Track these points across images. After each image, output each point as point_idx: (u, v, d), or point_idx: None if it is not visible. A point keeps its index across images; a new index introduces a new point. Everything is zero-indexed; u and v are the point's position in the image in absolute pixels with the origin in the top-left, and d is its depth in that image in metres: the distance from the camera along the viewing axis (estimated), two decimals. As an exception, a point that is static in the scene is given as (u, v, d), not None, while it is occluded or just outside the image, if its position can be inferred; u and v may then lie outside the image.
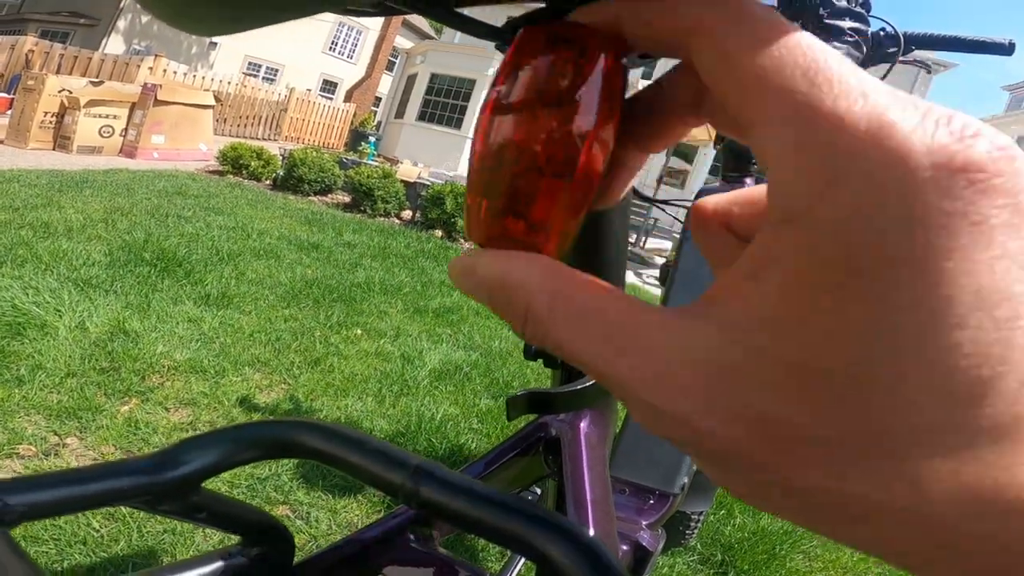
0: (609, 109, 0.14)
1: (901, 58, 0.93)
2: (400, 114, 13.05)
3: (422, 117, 12.41)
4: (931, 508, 0.09)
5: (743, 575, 1.37)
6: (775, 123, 0.10)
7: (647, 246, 7.78)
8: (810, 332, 0.09)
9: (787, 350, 0.10)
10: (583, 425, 0.53)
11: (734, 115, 0.12)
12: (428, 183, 5.90)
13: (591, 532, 0.41)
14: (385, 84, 16.42)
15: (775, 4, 0.94)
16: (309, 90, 13.30)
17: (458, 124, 11.94)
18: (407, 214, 5.70)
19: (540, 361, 0.53)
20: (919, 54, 0.96)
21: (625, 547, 0.69)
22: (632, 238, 7.29)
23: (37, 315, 1.75)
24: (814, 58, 0.11)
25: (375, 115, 15.41)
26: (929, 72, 1.45)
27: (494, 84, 0.15)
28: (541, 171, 0.14)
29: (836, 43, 0.82)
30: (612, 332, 0.12)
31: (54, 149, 5.63)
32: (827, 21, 0.82)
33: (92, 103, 5.59)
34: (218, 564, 0.31)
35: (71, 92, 5.55)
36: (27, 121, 5.48)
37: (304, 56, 17.15)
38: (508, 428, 1.75)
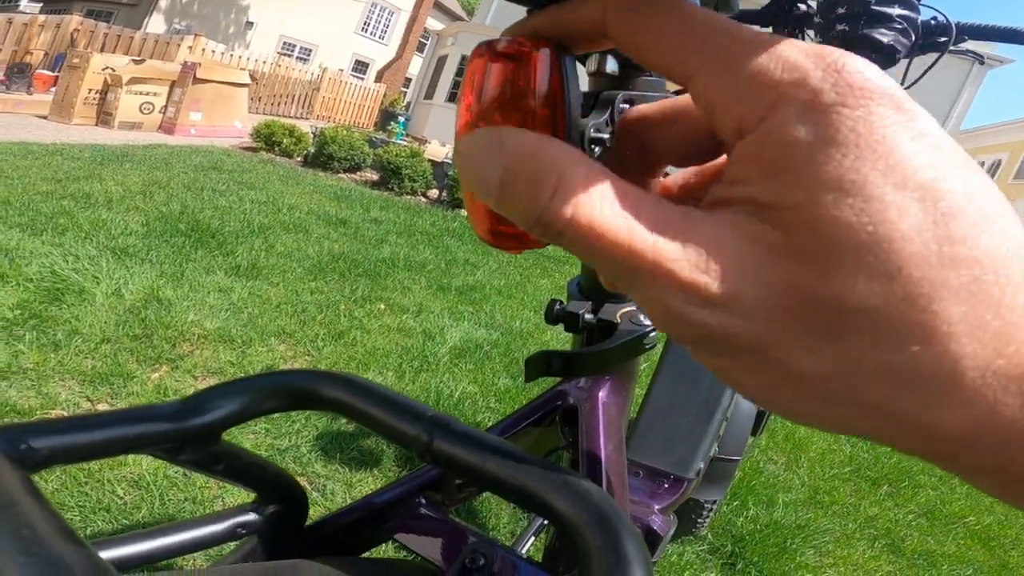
0: (552, 112, 0.16)
1: (952, 48, 0.87)
2: (429, 95, 13.04)
3: (451, 98, 12.37)
4: (864, 382, 0.11)
5: (752, 567, 1.35)
6: (706, 75, 0.13)
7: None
8: (804, 211, 0.11)
9: (797, 224, 0.11)
10: (601, 394, 0.51)
11: (671, 74, 0.13)
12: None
13: None
14: (415, 65, 16.39)
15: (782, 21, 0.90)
16: (341, 70, 13.38)
17: (488, 105, 11.87)
18: (434, 193, 5.71)
19: (561, 326, 0.52)
20: (972, 45, 0.90)
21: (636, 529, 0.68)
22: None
23: (76, 281, 1.82)
24: (718, 17, 0.13)
25: (405, 95, 15.41)
26: (982, 64, 1.36)
27: (461, 98, 0.17)
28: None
29: (883, 29, 0.77)
30: (651, 216, 0.12)
31: (97, 125, 5.82)
32: (874, 7, 0.77)
33: (134, 80, 5.74)
34: (231, 521, 0.31)
35: (114, 70, 5.70)
36: (71, 98, 5.67)
37: (337, 36, 17.24)
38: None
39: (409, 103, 14.28)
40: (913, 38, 0.82)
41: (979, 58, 1.03)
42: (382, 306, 2.43)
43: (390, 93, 14.19)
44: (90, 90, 5.70)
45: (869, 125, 0.11)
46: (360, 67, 17.99)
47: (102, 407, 1.28)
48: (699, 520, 1.25)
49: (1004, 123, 17.75)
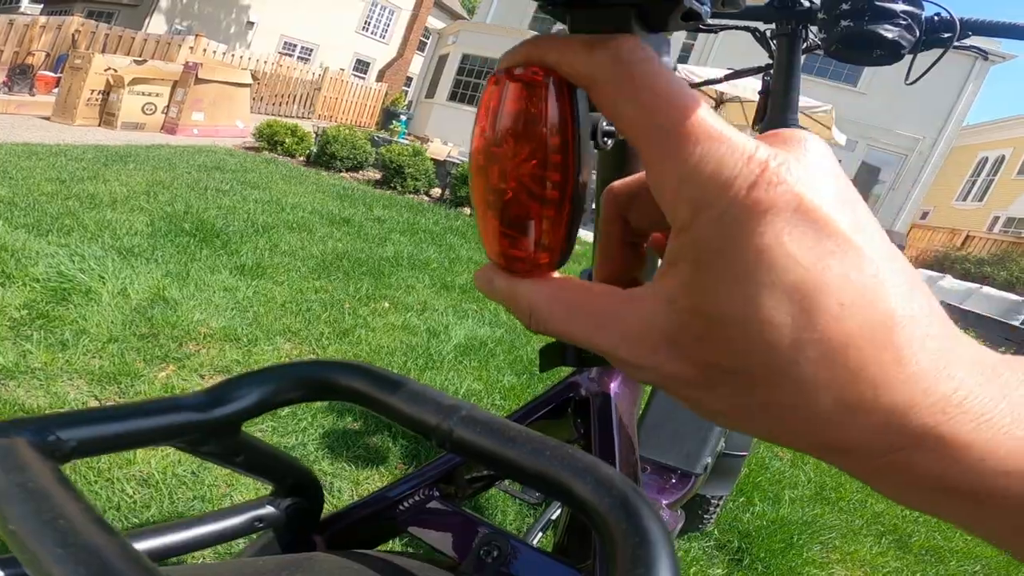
0: (563, 140, 0.17)
1: (956, 44, 0.87)
2: (431, 94, 13.03)
3: (452, 97, 12.36)
4: (796, 408, 0.14)
5: (759, 563, 1.35)
6: (659, 165, 0.15)
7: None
8: (707, 297, 0.14)
9: (701, 311, 0.14)
10: (614, 385, 0.51)
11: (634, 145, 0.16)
12: (457, 162, 5.89)
13: None
14: (416, 64, 16.37)
15: (782, 20, 0.89)
16: (343, 70, 13.36)
17: (489, 103, 11.89)
18: (436, 191, 5.71)
19: None
20: (976, 41, 0.90)
21: None
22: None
23: (82, 281, 1.83)
24: (680, 107, 0.15)
25: (406, 95, 15.39)
26: (986, 59, 1.35)
27: (476, 122, 0.18)
28: (519, 200, 0.17)
29: (888, 25, 0.77)
30: (595, 316, 0.16)
31: (99, 125, 5.83)
32: (878, 3, 0.77)
33: (136, 81, 5.75)
34: (249, 514, 0.31)
35: (116, 71, 5.71)
36: (74, 99, 5.68)
37: (338, 36, 17.23)
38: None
39: (411, 102, 14.28)
40: (917, 34, 0.82)
41: (983, 54, 1.02)
42: (386, 304, 2.43)
43: (392, 92, 14.19)
44: (92, 91, 5.71)
45: (763, 238, 0.14)
46: (361, 66, 17.98)
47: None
48: (706, 516, 1.25)
49: (1007, 119, 17.64)
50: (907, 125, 11.60)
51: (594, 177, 0.31)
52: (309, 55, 16.66)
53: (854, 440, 0.14)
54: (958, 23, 0.84)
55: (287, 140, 6.09)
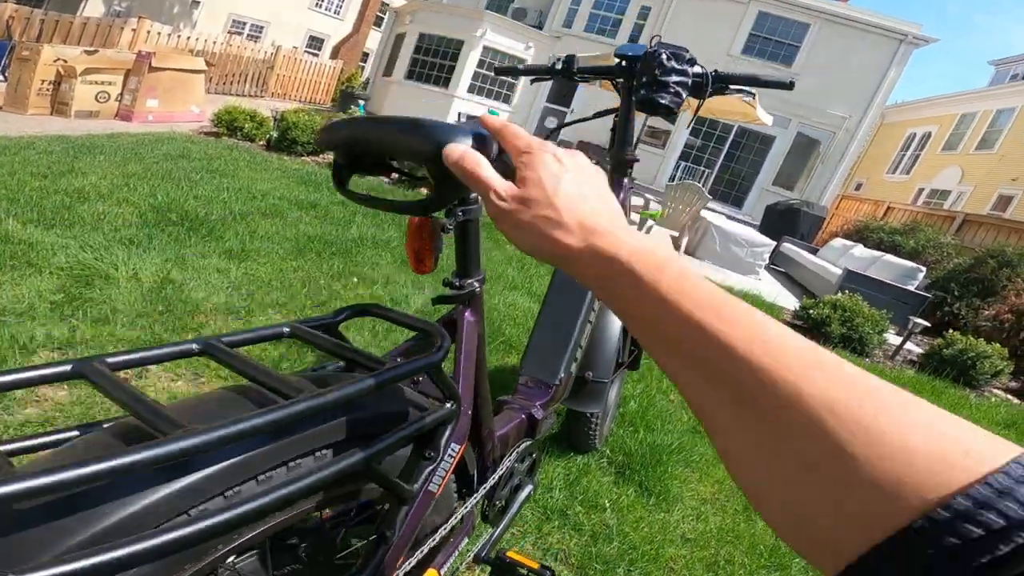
0: (433, 243, 0.69)
1: (736, 86, 1.36)
2: (388, 72, 13.08)
3: (410, 76, 12.47)
4: (573, 249, 0.38)
5: (636, 474, 1.82)
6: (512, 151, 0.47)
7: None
8: (541, 197, 0.41)
9: (525, 185, 0.42)
10: (467, 314, 0.86)
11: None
12: (415, 145, 6.21)
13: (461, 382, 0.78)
14: (373, 40, 16.22)
15: (624, 63, 1.36)
16: (295, 47, 13.19)
17: (446, 83, 12.05)
18: (395, 174, 6.04)
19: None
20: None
21: (523, 416, 1.16)
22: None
23: (100, 268, 2.18)
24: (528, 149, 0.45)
25: (363, 71, 15.28)
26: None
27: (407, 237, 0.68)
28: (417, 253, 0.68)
29: (663, 93, 1.24)
30: (494, 175, 0.44)
31: (52, 114, 5.87)
32: (660, 78, 1.24)
33: (88, 71, 5.80)
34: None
35: (66, 61, 5.74)
36: (24, 89, 5.70)
37: (289, 12, 16.84)
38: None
39: (368, 80, 14.25)
40: (685, 95, 1.31)
41: (751, 95, 1.52)
42: (355, 279, 2.85)
43: (347, 68, 14.10)
44: (43, 81, 5.74)
45: (541, 159, 0.42)
46: (315, 43, 17.66)
47: (153, 368, 1.68)
48: (590, 431, 1.74)
49: (934, 97, 18.86)
50: (836, 105, 12.44)
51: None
52: (260, 32, 16.27)
53: (576, 251, 0.37)
54: (710, 79, 1.31)
55: (246, 125, 6.27)
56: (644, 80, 1.27)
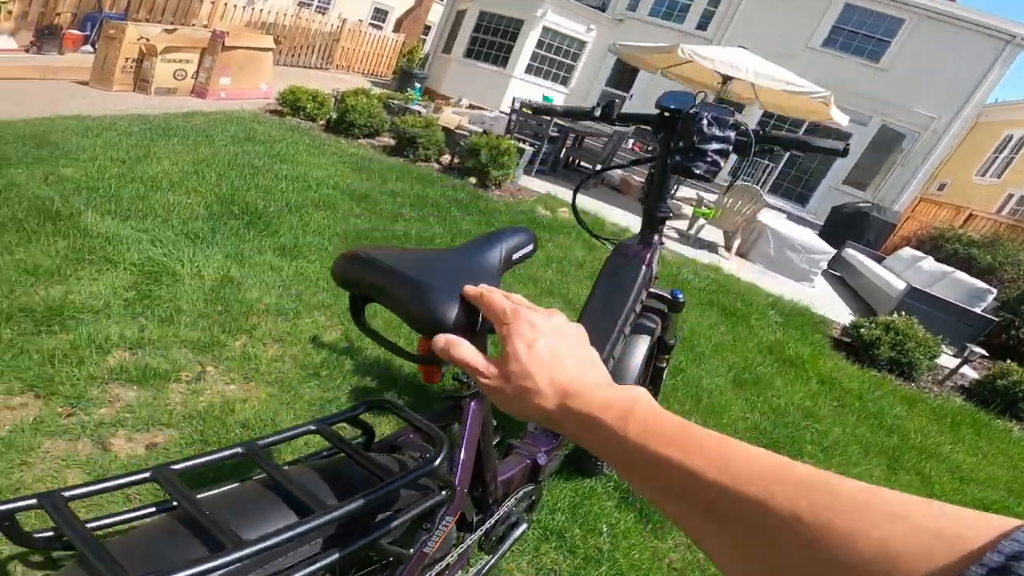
0: (441, 364, 0.68)
1: (776, 146, 1.34)
2: (447, 49, 13.09)
3: (469, 54, 12.44)
4: (551, 412, 0.44)
5: (639, 499, 1.85)
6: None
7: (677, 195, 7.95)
8: (518, 369, 0.46)
9: (507, 361, 0.47)
10: (473, 403, 0.89)
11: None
12: (466, 134, 6.26)
13: (458, 472, 0.85)
14: (436, 13, 16.22)
15: (663, 131, 1.36)
16: (360, 20, 13.39)
17: (504, 63, 11.95)
18: (446, 159, 6.14)
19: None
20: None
21: (528, 461, 1.24)
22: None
23: (168, 265, 2.40)
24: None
25: (424, 44, 15.36)
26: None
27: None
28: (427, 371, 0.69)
29: (699, 162, 1.24)
30: (480, 358, 0.50)
31: (134, 91, 6.27)
32: (698, 145, 1.24)
33: (168, 50, 6.13)
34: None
35: (148, 40, 6.09)
36: (110, 66, 6.10)
37: (356, -17, 17.03)
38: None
39: (427, 55, 14.32)
40: (723, 161, 1.30)
41: (775, 157, 1.48)
42: (398, 281, 2.97)
43: (409, 41, 14.21)
44: (127, 59, 6.12)
45: (517, 329, 0.47)
46: (379, 15, 17.85)
47: (210, 369, 1.87)
48: (597, 460, 1.81)
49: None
50: (924, 104, 11.49)
51: None
52: (328, 4, 16.56)
53: (554, 413, 0.42)
54: (753, 140, 1.29)
55: (308, 105, 6.49)
56: (681, 145, 1.28)
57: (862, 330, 4.52)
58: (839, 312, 5.95)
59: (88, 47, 7.94)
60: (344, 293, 2.44)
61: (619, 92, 12.72)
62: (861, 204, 9.94)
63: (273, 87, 7.16)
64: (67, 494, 0.54)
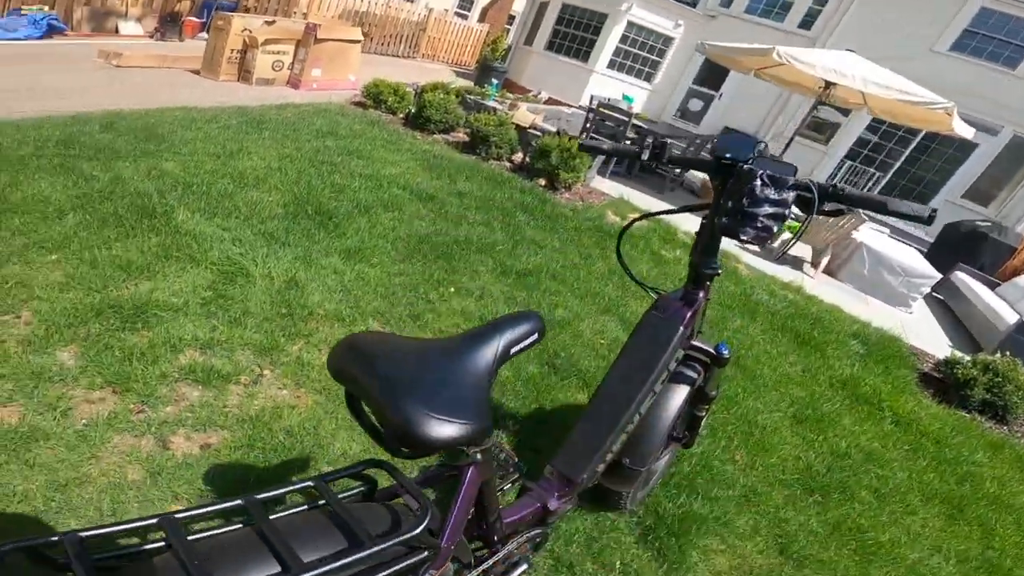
0: None
1: (847, 204, 1.23)
2: (529, 41, 13.01)
3: (550, 47, 12.28)
4: None
5: (659, 539, 1.80)
6: None
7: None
8: None
9: None
10: (471, 470, 0.90)
11: None
12: (539, 133, 6.22)
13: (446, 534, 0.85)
14: (521, 2, 16.16)
15: (718, 179, 1.28)
16: (446, 10, 13.62)
17: (585, 57, 11.70)
18: (518, 157, 6.14)
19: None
20: None
21: (538, 505, 1.24)
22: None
23: (244, 265, 2.59)
24: None
25: (508, 34, 15.37)
26: None
27: None
28: None
29: (748, 227, 1.16)
30: None
31: (238, 80, 6.76)
32: (748, 208, 1.16)
33: (267, 42, 6.55)
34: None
35: (251, 32, 6.53)
36: (218, 56, 6.61)
37: (445, -29, 17.27)
38: (541, 394, 2.32)
39: (510, 46, 14.30)
40: (777, 227, 1.22)
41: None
42: (452, 289, 3.03)
43: (493, 31, 14.27)
44: (232, 50, 6.60)
45: None
46: (465, 4, 18.02)
47: (267, 373, 2.01)
48: (620, 501, 1.77)
49: None
50: (1071, 116, 9.99)
51: None
52: (416, -7, 16.96)
53: None
54: (816, 198, 1.19)
55: (390, 99, 6.71)
56: (730, 205, 1.20)
57: (956, 369, 4.08)
58: (936, 342, 5.39)
59: (204, 34, 8.66)
60: (400, 299, 2.45)
61: (707, 91, 12.06)
62: (980, 223, 8.88)
63: (360, 79, 7.46)
64: (84, 534, 0.62)
